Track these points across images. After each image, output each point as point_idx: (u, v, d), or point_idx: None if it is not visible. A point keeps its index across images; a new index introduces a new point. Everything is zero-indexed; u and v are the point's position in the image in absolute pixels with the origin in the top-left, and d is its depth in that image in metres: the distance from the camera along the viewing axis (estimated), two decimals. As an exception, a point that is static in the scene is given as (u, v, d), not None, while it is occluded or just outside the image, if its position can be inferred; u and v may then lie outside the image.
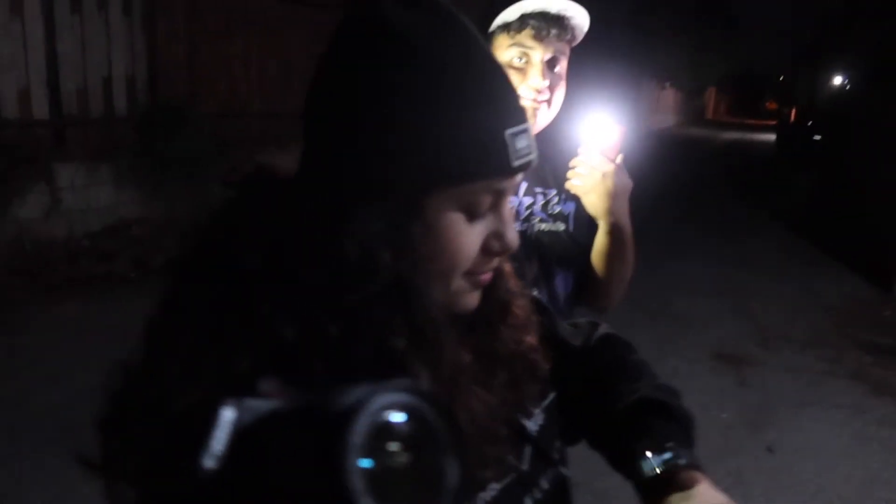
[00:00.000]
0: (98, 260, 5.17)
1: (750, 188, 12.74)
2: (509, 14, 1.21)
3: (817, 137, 15.65)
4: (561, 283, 1.40)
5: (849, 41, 14.54)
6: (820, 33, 20.22)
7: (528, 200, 1.34)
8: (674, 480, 0.66)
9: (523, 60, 1.23)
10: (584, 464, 0.95)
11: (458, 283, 0.61)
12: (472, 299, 0.64)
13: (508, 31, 1.23)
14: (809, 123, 18.91)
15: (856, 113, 10.55)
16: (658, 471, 0.68)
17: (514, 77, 1.20)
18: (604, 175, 1.28)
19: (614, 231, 1.36)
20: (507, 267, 0.72)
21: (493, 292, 0.67)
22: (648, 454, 0.69)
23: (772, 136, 22.98)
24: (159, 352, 0.53)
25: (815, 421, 3.58)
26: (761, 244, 7.89)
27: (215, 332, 0.52)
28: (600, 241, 1.39)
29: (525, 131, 0.59)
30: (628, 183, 1.35)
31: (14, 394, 3.28)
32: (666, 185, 12.69)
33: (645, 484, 0.68)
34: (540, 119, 1.28)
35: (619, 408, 0.76)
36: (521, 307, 0.72)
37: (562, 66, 1.28)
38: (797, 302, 5.65)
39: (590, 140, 1.29)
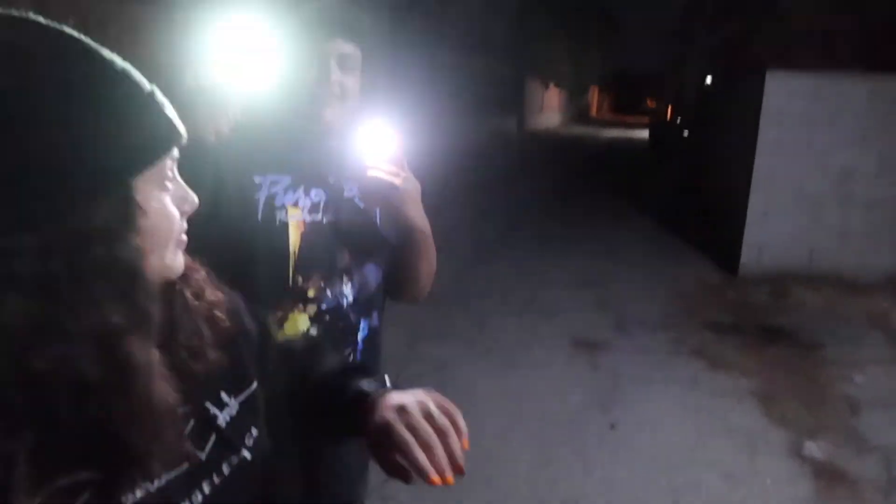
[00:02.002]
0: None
1: (623, 184, 13.46)
2: (290, 20, 1.29)
3: (685, 133, 16.74)
4: (372, 274, 1.44)
5: (703, 43, 15.62)
6: (681, 34, 21.56)
7: (337, 192, 1.38)
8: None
9: (315, 61, 1.29)
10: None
11: (171, 251, 0.70)
12: (180, 262, 0.73)
13: (294, 38, 1.29)
14: (678, 120, 20.21)
15: (710, 109, 11.39)
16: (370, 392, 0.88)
17: (309, 74, 1.28)
18: (392, 186, 1.33)
19: (414, 234, 1.42)
20: (189, 261, 0.79)
21: (180, 285, 0.76)
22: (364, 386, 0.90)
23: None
24: None
25: (657, 395, 3.90)
26: (628, 236, 8.41)
27: None
28: (402, 242, 1.45)
29: (167, 103, 0.68)
30: (417, 186, 1.41)
31: None
32: (544, 184, 13.24)
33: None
34: (335, 113, 1.33)
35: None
36: (210, 301, 0.80)
37: (353, 66, 1.34)
38: (655, 288, 6.08)
39: (371, 150, 1.33)
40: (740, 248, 6.55)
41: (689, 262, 7.13)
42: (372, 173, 1.33)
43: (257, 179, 1.29)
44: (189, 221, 0.74)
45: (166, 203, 0.68)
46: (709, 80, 17.61)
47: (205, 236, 0.80)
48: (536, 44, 28.06)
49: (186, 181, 0.73)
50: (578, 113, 45.31)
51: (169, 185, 0.68)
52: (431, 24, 17.11)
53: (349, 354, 1.39)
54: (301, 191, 1.33)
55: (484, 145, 19.42)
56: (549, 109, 35.49)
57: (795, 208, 6.43)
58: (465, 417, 0.83)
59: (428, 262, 1.51)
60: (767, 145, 6.40)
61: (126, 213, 0.62)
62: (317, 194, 1.35)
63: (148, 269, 0.65)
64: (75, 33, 0.64)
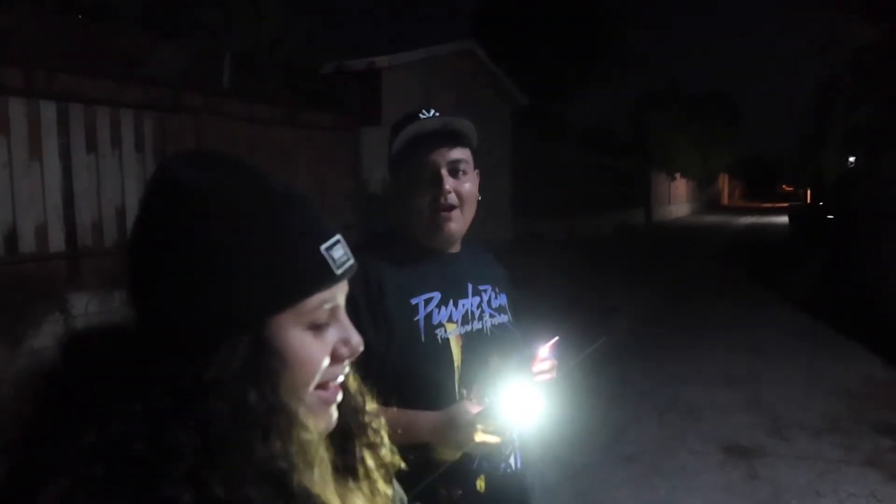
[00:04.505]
0: (108, 385, 5.26)
1: (764, 273, 12.67)
2: (401, 141, 1.36)
3: (830, 217, 15.67)
4: None
5: (841, 121, 14.85)
6: (816, 115, 20.65)
7: (476, 300, 1.44)
8: None
9: (428, 173, 1.35)
10: None
11: (310, 397, 0.65)
12: (330, 417, 0.69)
13: (408, 153, 1.36)
14: (820, 203, 19.00)
15: (856, 191, 10.64)
16: None
17: (426, 190, 1.35)
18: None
19: None
20: (354, 384, 0.78)
21: (343, 408, 0.73)
22: None
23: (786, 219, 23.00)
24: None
25: (829, 513, 3.45)
26: (774, 328, 7.79)
27: None
28: None
29: (338, 242, 0.66)
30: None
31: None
32: (675, 275, 12.69)
33: None
34: (455, 222, 1.38)
35: None
36: (373, 423, 0.79)
37: (465, 169, 1.38)
38: (811, 386, 5.53)
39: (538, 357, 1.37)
40: (911, 340, 5.87)
41: (850, 356, 6.46)
42: (537, 377, 1.36)
43: (413, 301, 1.35)
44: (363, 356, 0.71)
45: (308, 343, 0.64)
46: (851, 160, 16.60)
47: (380, 366, 0.79)
48: (660, 137, 27.86)
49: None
50: (708, 202, 43.89)
51: (321, 325, 0.65)
52: (553, 125, 17.48)
53: (510, 454, 1.42)
54: (451, 305, 1.39)
55: (610, 239, 19.14)
56: (678, 200, 34.65)
57: (974, 294, 5.72)
58: None
59: None
60: (932, 226, 5.82)
61: (250, 358, 0.60)
62: (464, 305, 1.41)
63: (283, 420, 0.61)
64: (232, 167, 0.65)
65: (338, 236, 0.66)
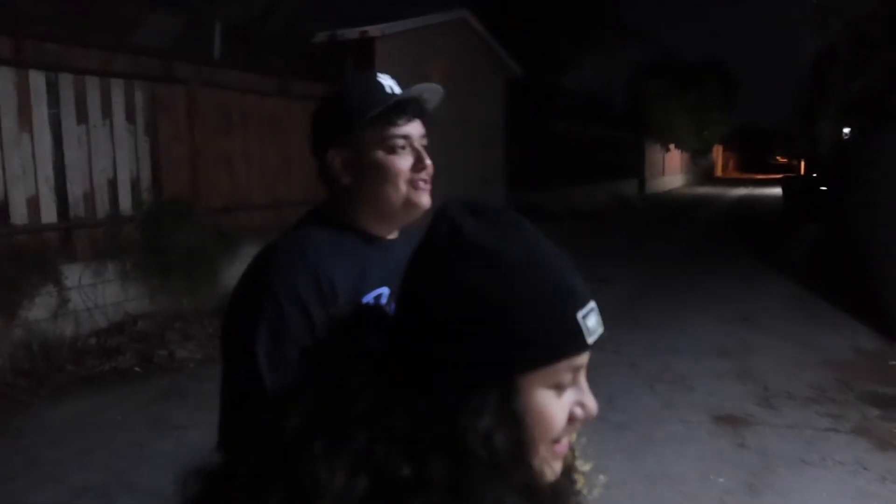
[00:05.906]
0: (104, 356, 5.29)
1: (756, 243, 12.74)
2: (378, 106, 1.22)
3: (823, 188, 15.72)
4: None
5: (838, 92, 14.83)
6: (812, 85, 20.59)
7: None
8: None
9: (404, 145, 1.24)
10: None
11: (544, 452, 0.69)
12: (557, 470, 0.72)
13: (381, 122, 1.23)
14: (814, 175, 19.05)
15: (851, 162, 10.66)
16: None
17: (397, 161, 1.22)
18: None
19: None
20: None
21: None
22: None
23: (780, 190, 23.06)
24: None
25: (815, 480, 3.52)
26: (765, 298, 7.87)
27: None
28: None
29: (593, 310, 0.69)
30: None
31: (12, 496, 3.34)
32: (668, 247, 12.75)
33: None
34: (429, 197, 1.28)
35: None
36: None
37: (426, 146, 1.29)
38: (800, 357, 5.60)
39: None
40: (900, 311, 5.94)
41: (839, 327, 6.54)
42: None
43: (365, 300, 1.22)
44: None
45: (551, 403, 0.68)
46: (846, 131, 16.56)
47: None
48: (654, 108, 27.72)
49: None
50: (702, 173, 43.87)
51: (563, 386, 0.69)
52: (547, 95, 17.37)
53: None
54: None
55: (603, 210, 19.16)
56: (671, 171, 34.65)
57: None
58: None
59: None
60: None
61: (499, 410, 0.64)
62: None
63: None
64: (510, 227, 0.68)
65: (592, 303, 0.69)
